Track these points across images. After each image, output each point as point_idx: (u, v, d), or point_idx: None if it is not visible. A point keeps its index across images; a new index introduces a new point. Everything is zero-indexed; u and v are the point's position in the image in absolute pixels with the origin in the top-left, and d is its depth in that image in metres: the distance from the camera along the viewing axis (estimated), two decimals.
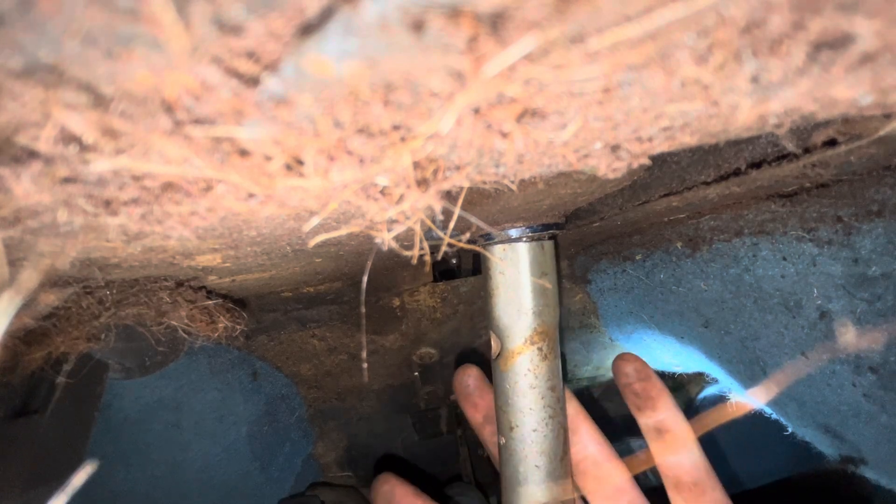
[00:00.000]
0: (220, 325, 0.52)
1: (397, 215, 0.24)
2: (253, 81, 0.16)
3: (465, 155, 0.23)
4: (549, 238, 0.60)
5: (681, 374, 1.15)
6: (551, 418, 0.60)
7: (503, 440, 0.62)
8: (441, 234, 0.28)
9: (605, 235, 0.88)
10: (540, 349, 0.60)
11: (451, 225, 0.28)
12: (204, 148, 0.18)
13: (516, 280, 0.59)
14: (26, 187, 0.18)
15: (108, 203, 0.21)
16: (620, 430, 1.20)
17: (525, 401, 0.60)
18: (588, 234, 0.84)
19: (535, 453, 0.60)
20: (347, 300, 0.92)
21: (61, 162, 0.18)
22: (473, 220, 0.45)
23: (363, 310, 0.96)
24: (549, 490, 0.60)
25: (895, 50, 0.18)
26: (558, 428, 0.61)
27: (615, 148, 0.25)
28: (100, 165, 0.18)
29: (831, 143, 0.38)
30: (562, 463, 0.61)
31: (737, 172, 0.46)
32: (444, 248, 0.28)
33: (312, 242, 0.33)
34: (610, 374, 1.15)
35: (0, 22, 0.13)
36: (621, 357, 0.66)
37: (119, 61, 0.15)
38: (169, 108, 0.16)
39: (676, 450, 0.61)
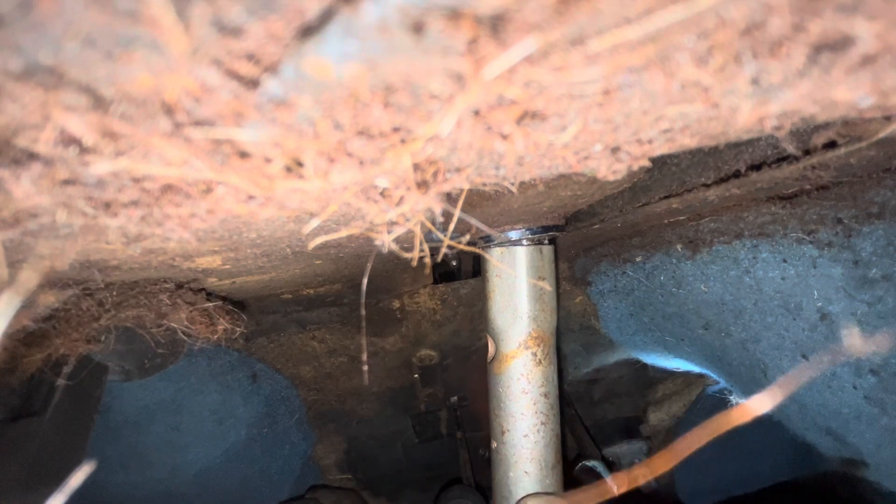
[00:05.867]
0: (220, 327, 0.52)
1: (397, 217, 0.24)
2: (253, 83, 0.16)
3: (466, 157, 0.23)
4: (549, 241, 0.60)
5: (682, 376, 1.15)
6: (543, 425, 0.60)
7: (495, 444, 0.62)
8: (441, 235, 0.28)
9: (606, 237, 0.88)
10: (534, 354, 0.60)
11: (451, 227, 0.28)
12: (204, 150, 0.18)
13: (513, 284, 0.59)
14: (26, 189, 0.18)
15: (107, 205, 0.21)
16: (620, 432, 1.20)
17: (517, 406, 0.60)
18: (588, 237, 0.84)
19: (525, 459, 0.60)
20: (347, 302, 0.91)
21: (61, 164, 0.18)
22: (473, 221, 0.45)
23: (363, 312, 0.96)
24: (537, 498, 0.60)
25: (895, 52, 0.18)
26: (550, 435, 0.60)
27: (615, 150, 0.25)
28: (99, 167, 0.18)
29: (831, 145, 0.38)
30: (553, 471, 0.61)
31: (737, 174, 0.46)
32: (443, 250, 0.28)
33: (312, 244, 0.33)
34: (611, 377, 1.15)
35: (0, 23, 0.13)
36: None
37: (119, 63, 0.14)
38: (169, 110, 0.16)
39: None
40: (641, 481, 0.63)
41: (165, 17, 0.13)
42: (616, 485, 0.64)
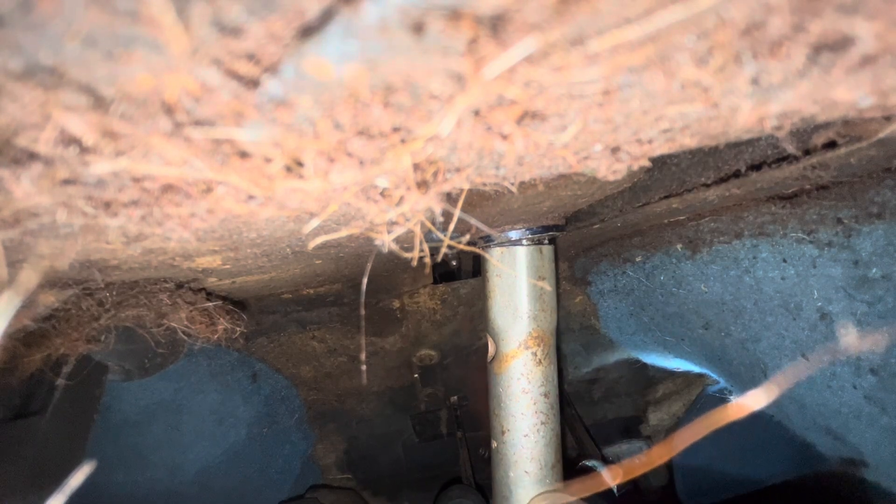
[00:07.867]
0: (220, 326, 0.52)
1: (397, 217, 0.24)
2: (253, 83, 0.16)
3: (466, 157, 0.23)
4: (549, 241, 0.60)
5: (681, 376, 1.15)
6: (543, 424, 0.60)
7: (495, 444, 0.63)
8: (441, 235, 0.28)
9: (606, 237, 0.88)
10: (534, 354, 0.60)
11: (451, 227, 0.28)
12: (204, 150, 0.18)
13: (513, 283, 0.59)
14: (26, 189, 0.18)
15: (107, 205, 0.21)
16: (620, 432, 1.20)
17: (517, 405, 0.60)
18: (588, 236, 0.84)
19: (525, 459, 0.60)
20: (347, 302, 0.91)
21: (61, 164, 0.18)
22: (473, 221, 0.45)
23: (363, 312, 0.96)
24: (544, 497, 0.60)
25: (895, 52, 0.18)
26: (550, 435, 0.61)
27: (615, 150, 0.25)
28: (100, 167, 0.18)
29: (831, 145, 0.38)
30: (553, 471, 0.61)
31: (737, 174, 0.46)
32: (443, 250, 0.28)
33: (312, 244, 0.33)
34: (611, 377, 1.15)
35: (0, 23, 0.13)
36: None
37: (119, 63, 0.14)
38: (169, 110, 0.16)
39: None
40: (637, 472, 0.64)
41: (165, 17, 0.13)
42: (612, 476, 0.64)
